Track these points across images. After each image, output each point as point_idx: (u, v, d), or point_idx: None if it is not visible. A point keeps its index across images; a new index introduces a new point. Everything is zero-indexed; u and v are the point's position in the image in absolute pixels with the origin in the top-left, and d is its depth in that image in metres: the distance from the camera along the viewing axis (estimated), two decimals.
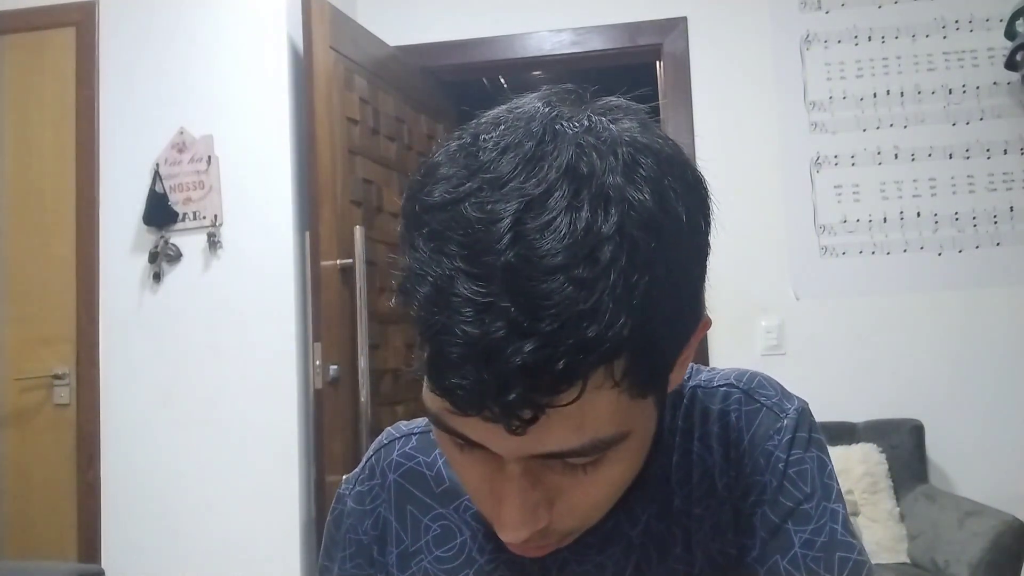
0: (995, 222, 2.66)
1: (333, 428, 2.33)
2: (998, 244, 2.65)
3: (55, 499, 2.53)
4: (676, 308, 0.45)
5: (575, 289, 0.40)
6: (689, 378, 0.62)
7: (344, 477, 0.70)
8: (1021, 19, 2.53)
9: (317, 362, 2.30)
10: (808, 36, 2.79)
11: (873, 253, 2.70)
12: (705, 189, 0.49)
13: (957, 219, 2.68)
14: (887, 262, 2.70)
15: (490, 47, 2.94)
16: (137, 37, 2.62)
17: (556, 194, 0.42)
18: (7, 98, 2.69)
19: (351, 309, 2.39)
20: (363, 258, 2.36)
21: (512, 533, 0.47)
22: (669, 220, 0.44)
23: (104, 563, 2.42)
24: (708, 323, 0.52)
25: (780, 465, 0.57)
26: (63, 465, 2.54)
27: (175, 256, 2.52)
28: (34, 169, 2.66)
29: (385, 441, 0.68)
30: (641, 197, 0.43)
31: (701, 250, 0.48)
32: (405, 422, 0.70)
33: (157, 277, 2.52)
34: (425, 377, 0.45)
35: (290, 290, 2.46)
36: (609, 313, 0.41)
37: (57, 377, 2.57)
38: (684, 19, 2.85)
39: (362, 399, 2.33)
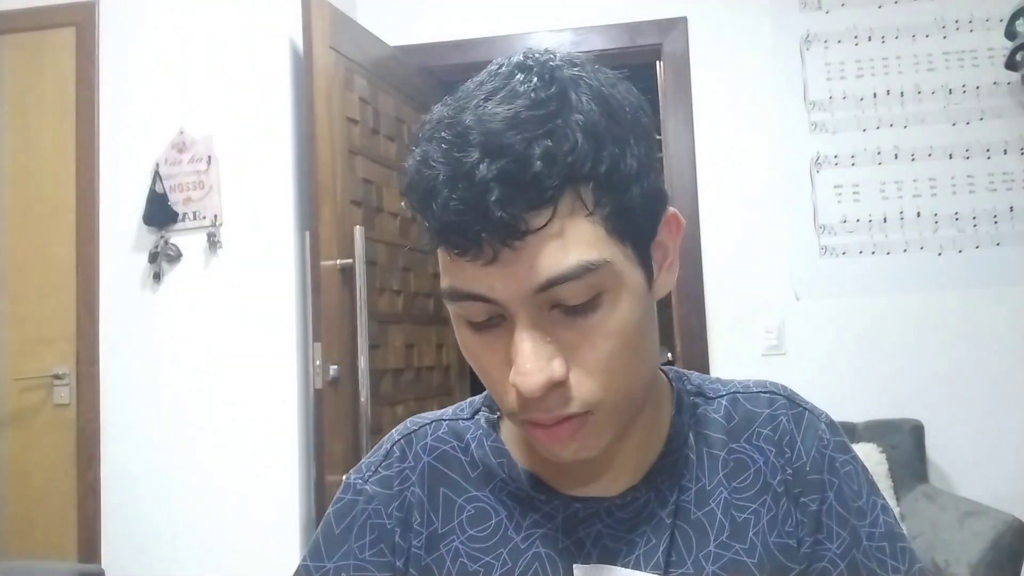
0: (995, 222, 2.66)
1: (333, 428, 2.33)
2: (998, 244, 2.65)
3: (55, 499, 2.54)
4: (632, 163, 0.53)
5: (536, 118, 0.50)
6: (722, 386, 0.69)
7: (354, 468, 0.69)
8: (1021, 19, 2.53)
9: (317, 362, 2.30)
10: (808, 36, 2.79)
11: (873, 253, 2.70)
12: (645, 109, 0.57)
13: (957, 219, 2.68)
14: (887, 262, 2.69)
15: (490, 47, 2.94)
16: (137, 37, 2.62)
17: (518, 76, 0.53)
18: (7, 98, 2.69)
19: (351, 309, 2.39)
20: (363, 258, 2.36)
21: (529, 378, 0.51)
22: (614, 99, 0.53)
23: (104, 563, 2.42)
24: (680, 221, 0.59)
25: (836, 464, 0.64)
26: (63, 465, 2.54)
27: (175, 256, 2.52)
28: (34, 169, 2.66)
29: (414, 427, 0.69)
30: (590, 80, 0.53)
31: (648, 134, 0.56)
32: (427, 413, 0.71)
33: (157, 277, 2.52)
34: (439, 254, 0.54)
35: (290, 290, 2.46)
36: (568, 137, 0.50)
37: (57, 377, 2.57)
38: (684, 19, 2.85)
39: (362, 399, 2.33)
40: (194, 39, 2.58)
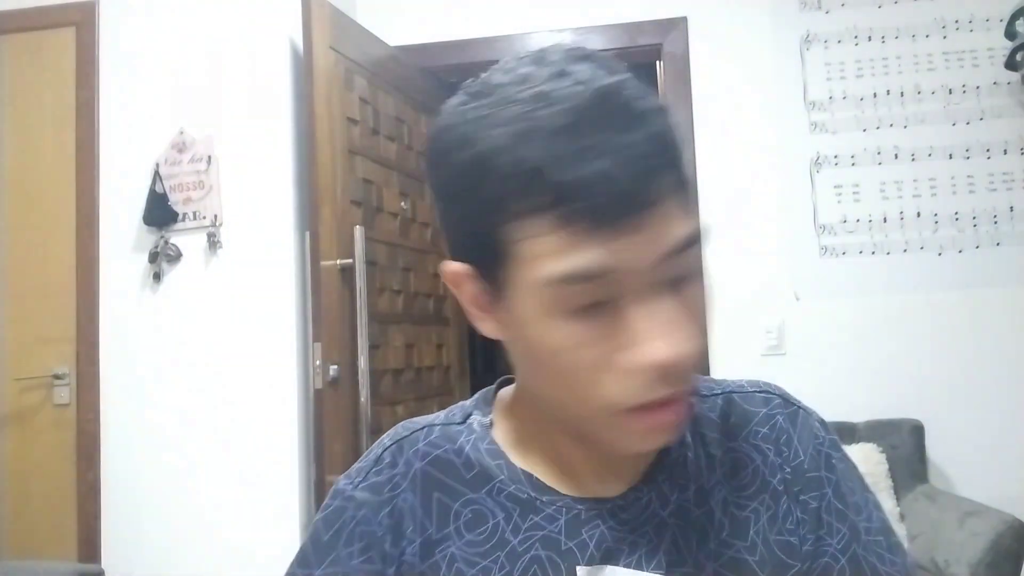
0: (995, 222, 2.66)
1: (333, 428, 2.33)
2: (998, 244, 2.65)
3: (55, 499, 2.54)
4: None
5: (657, 106, 0.52)
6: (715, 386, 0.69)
7: (344, 474, 0.68)
8: (1021, 19, 2.53)
9: (317, 362, 2.30)
10: (808, 36, 2.79)
11: (873, 253, 2.70)
12: None
13: (957, 219, 2.68)
14: (887, 262, 2.70)
15: (490, 47, 2.94)
16: (137, 37, 2.62)
17: (583, 66, 0.52)
18: (7, 98, 2.69)
19: (351, 309, 2.39)
20: (363, 258, 2.36)
21: (683, 344, 0.51)
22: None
23: (104, 563, 2.42)
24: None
25: (833, 461, 0.65)
26: (63, 465, 2.54)
27: (175, 256, 2.52)
28: (34, 169, 2.66)
29: (405, 433, 0.67)
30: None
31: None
32: (417, 418, 0.70)
33: (157, 277, 2.52)
34: (549, 214, 0.49)
35: (290, 290, 2.46)
36: (672, 116, 0.53)
37: (57, 377, 2.57)
38: (684, 19, 2.85)
39: (362, 399, 2.33)
40: (194, 39, 2.58)
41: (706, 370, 2.69)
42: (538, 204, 0.49)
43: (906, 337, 2.66)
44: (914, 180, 2.71)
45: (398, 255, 2.70)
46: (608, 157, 0.48)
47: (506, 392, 0.69)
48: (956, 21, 2.73)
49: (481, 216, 0.52)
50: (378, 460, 0.66)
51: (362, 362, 2.34)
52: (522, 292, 0.53)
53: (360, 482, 0.65)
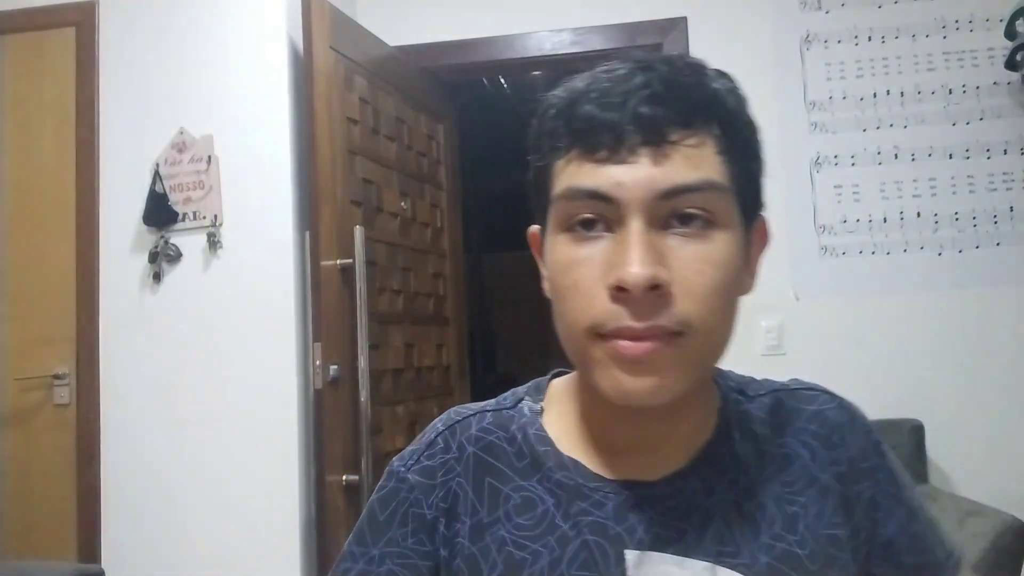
0: (995, 222, 2.66)
1: (333, 428, 2.33)
2: (998, 244, 2.65)
3: (55, 499, 2.53)
4: (757, 147, 0.62)
5: (699, 70, 0.59)
6: (759, 386, 0.72)
7: (398, 456, 0.69)
8: (1021, 19, 2.53)
9: (317, 362, 2.31)
10: (808, 36, 2.79)
11: (873, 253, 2.70)
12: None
13: (957, 219, 2.68)
14: (887, 262, 2.70)
15: (490, 47, 2.94)
16: (137, 37, 2.62)
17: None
18: (7, 98, 2.69)
19: (351, 309, 2.39)
20: (363, 258, 2.36)
21: (637, 268, 0.53)
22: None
23: (104, 563, 2.42)
24: (767, 234, 0.65)
25: (882, 448, 0.69)
26: (63, 465, 2.54)
27: (175, 256, 2.52)
28: (34, 169, 2.66)
29: (458, 418, 0.70)
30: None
31: (762, 146, 0.63)
32: (470, 404, 0.72)
33: (157, 277, 2.52)
34: (575, 148, 0.57)
35: (290, 290, 2.46)
36: (714, 79, 0.59)
37: (57, 377, 2.57)
38: (684, 19, 2.85)
39: (362, 399, 2.33)
40: (194, 39, 2.58)
41: None
42: (563, 139, 0.58)
43: (906, 337, 2.66)
44: (914, 180, 2.71)
45: (398, 255, 2.70)
46: (615, 99, 0.55)
47: (558, 382, 0.71)
48: (956, 21, 2.73)
49: (538, 163, 0.61)
50: (431, 444, 0.68)
51: (362, 362, 2.34)
52: (551, 222, 0.60)
53: (413, 465, 0.67)
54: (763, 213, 0.64)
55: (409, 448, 0.69)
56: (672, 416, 0.62)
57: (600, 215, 0.56)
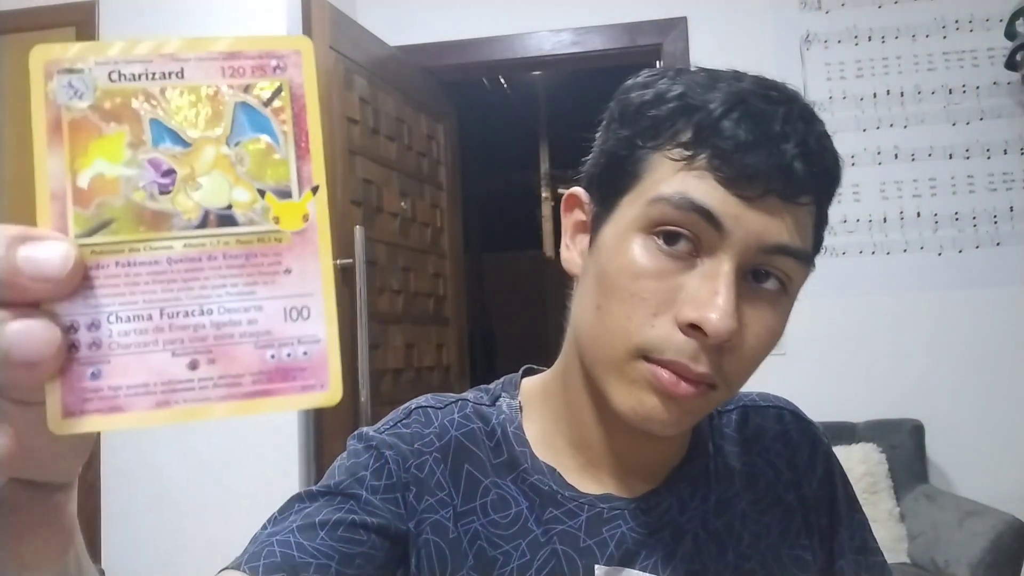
0: (995, 222, 2.66)
1: (333, 428, 2.33)
2: (998, 244, 2.65)
3: None
4: (827, 222, 0.60)
5: (826, 131, 0.58)
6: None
7: (369, 427, 0.66)
8: (1021, 19, 2.53)
9: None
10: (808, 36, 2.79)
11: (873, 253, 2.71)
12: None
13: (957, 219, 2.68)
14: (887, 262, 2.70)
15: (490, 47, 2.94)
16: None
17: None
18: (7, 98, 2.69)
19: (351, 309, 2.39)
20: (363, 258, 2.36)
21: (725, 319, 0.51)
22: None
23: (104, 563, 2.42)
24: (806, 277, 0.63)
25: (836, 470, 0.68)
26: None
27: None
28: (34, 170, 2.66)
29: (438, 403, 0.66)
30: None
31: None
32: (444, 394, 0.68)
33: None
34: (704, 158, 0.53)
35: None
36: (841, 166, 0.60)
37: None
38: (684, 19, 2.85)
39: (362, 399, 2.33)
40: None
41: None
42: (691, 142, 0.53)
43: (906, 337, 2.66)
44: (914, 180, 2.71)
45: (398, 255, 2.70)
46: (768, 135, 0.52)
47: (531, 382, 0.69)
48: (956, 21, 2.73)
49: (633, 139, 0.56)
50: (409, 413, 0.65)
51: (362, 362, 2.34)
52: (626, 211, 0.55)
53: (386, 430, 0.65)
54: None
55: (388, 417, 0.66)
56: (660, 440, 0.61)
57: (694, 235, 0.53)
